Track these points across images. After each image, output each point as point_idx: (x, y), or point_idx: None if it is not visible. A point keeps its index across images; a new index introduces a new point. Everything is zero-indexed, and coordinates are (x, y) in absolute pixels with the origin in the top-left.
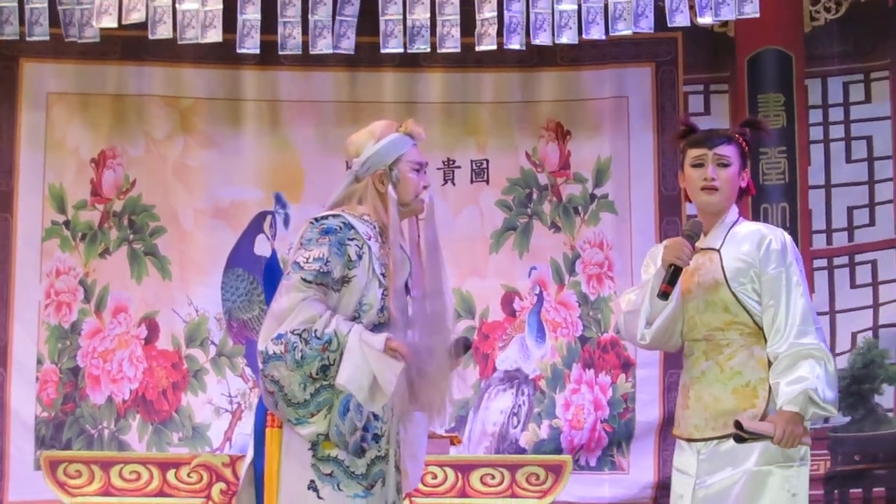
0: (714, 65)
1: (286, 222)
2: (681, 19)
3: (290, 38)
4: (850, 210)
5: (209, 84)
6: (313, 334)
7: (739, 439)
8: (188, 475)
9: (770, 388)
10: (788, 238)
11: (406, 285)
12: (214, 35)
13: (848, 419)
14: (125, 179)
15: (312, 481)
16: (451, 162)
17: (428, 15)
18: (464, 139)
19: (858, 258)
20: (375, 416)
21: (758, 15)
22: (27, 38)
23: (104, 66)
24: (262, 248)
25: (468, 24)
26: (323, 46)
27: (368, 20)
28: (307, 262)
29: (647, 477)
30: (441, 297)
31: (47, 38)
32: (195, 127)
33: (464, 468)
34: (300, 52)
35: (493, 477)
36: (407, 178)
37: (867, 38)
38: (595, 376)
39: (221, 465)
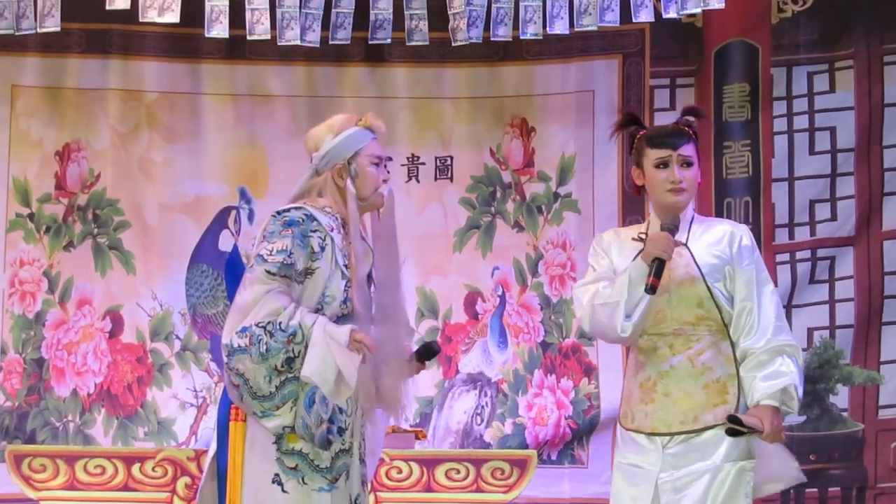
0: (682, 56)
1: (250, 217)
2: (645, 14)
3: (259, 24)
4: (812, 203)
5: (174, 78)
6: (278, 327)
7: (734, 433)
8: (153, 469)
9: (739, 384)
10: (751, 233)
11: (370, 277)
12: (172, 17)
13: (803, 418)
14: (90, 173)
15: (277, 475)
16: (415, 158)
17: (391, 8)
18: (428, 135)
19: (820, 253)
20: (340, 410)
21: (723, 6)
22: None
23: (69, 60)
24: (226, 243)
25: (434, 18)
26: (291, 38)
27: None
28: (270, 255)
29: (606, 470)
30: (394, 290)
31: (12, 31)
32: (160, 121)
33: (429, 463)
34: (267, 38)
35: (459, 472)
36: (366, 172)
37: (833, 28)
38: (557, 381)
39: (186, 460)
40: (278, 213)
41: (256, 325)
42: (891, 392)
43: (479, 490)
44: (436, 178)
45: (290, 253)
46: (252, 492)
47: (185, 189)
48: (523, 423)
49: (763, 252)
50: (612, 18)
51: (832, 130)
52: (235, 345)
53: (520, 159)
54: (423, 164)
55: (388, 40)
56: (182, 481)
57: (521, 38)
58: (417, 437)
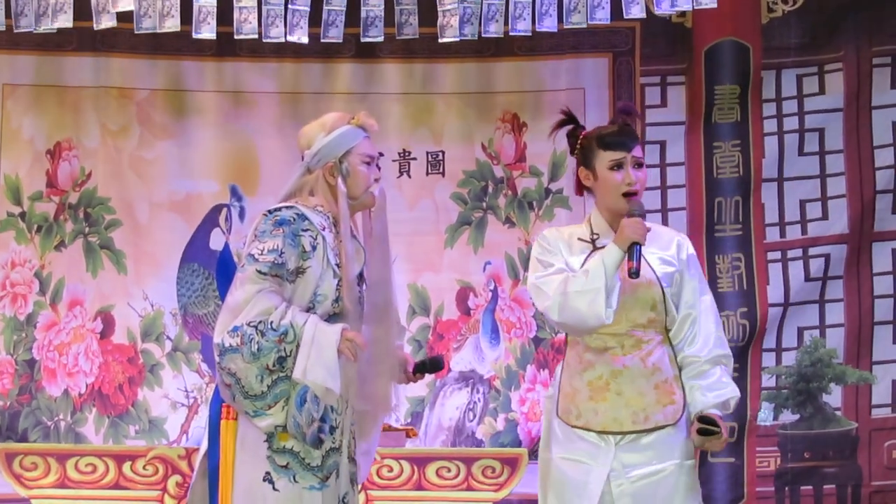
0: (672, 55)
1: (241, 215)
2: (636, 11)
3: (246, 23)
4: (802, 203)
5: (164, 75)
6: (269, 326)
7: (707, 433)
8: (144, 468)
9: (682, 387)
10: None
11: (362, 275)
12: (172, 24)
13: (797, 417)
14: (81, 171)
15: (268, 473)
16: (406, 153)
17: (382, 5)
18: (420, 130)
19: (812, 251)
20: (332, 408)
21: (715, 5)
22: None
23: (60, 58)
24: (217, 242)
25: (424, 13)
26: (275, 35)
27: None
28: (262, 254)
29: None
30: (385, 289)
31: (3, 28)
32: (150, 119)
33: (420, 461)
34: (255, 37)
35: (449, 470)
36: (357, 171)
37: (823, 30)
38: (549, 377)
39: (177, 458)
40: (269, 212)
41: (248, 325)
42: (883, 392)
43: (469, 488)
44: (427, 174)
45: (282, 252)
46: (243, 490)
47: (175, 187)
48: (515, 418)
49: (754, 250)
50: (603, 16)
51: (821, 132)
52: (227, 344)
53: (511, 154)
54: (414, 159)
55: (381, 38)
56: (173, 479)
57: (512, 34)
58: (408, 436)
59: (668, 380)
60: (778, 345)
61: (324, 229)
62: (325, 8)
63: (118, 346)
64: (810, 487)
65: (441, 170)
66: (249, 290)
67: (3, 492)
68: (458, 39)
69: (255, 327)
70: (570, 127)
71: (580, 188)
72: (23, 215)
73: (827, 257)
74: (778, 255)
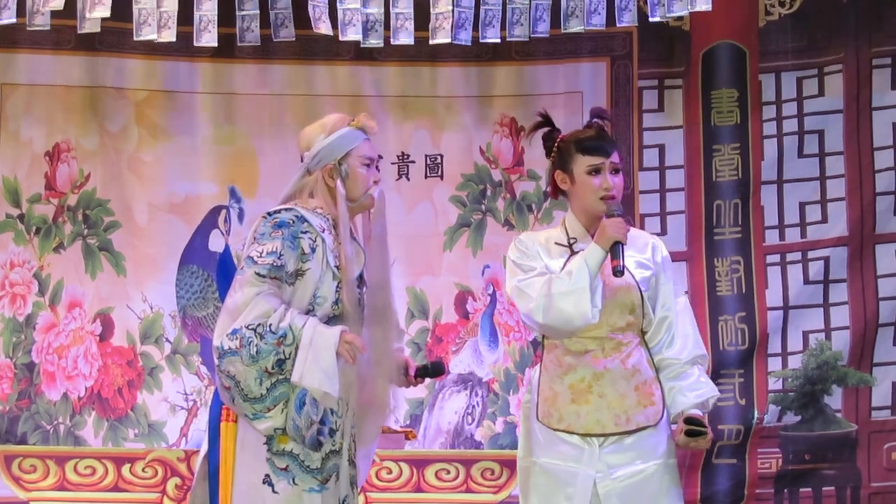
0: (669, 59)
1: (241, 217)
2: (628, 18)
3: (249, 31)
4: (801, 206)
5: (164, 76)
6: (268, 329)
7: (695, 434)
8: (143, 470)
9: (661, 388)
10: None
11: (361, 278)
12: (169, 35)
13: (798, 418)
14: (79, 173)
15: (267, 475)
16: (405, 157)
17: (382, 10)
18: (418, 134)
19: (812, 254)
20: (332, 411)
21: (709, 8)
22: None
23: (58, 57)
24: (216, 243)
25: (422, 17)
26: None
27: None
28: (261, 257)
29: None
30: (385, 292)
31: (13, 20)
32: (149, 120)
33: (419, 463)
34: (258, 44)
35: (448, 472)
36: (356, 174)
37: (821, 32)
38: None
39: (176, 460)
40: (269, 214)
41: (247, 328)
42: (883, 394)
43: (468, 490)
44: (426, 177)
45: (280, 255)
46: (243, 492)
47: (174, 189)
48: (514, 421)
49: (754, 254)
50: (599, 21)
51: (821, 134)
52: (226, 347)
53: (510, 158)
54: (412, 162)
55: (381, 43)
56: (172, 482)
57: (509, 40)
58: (407, 438)
59: (648, 381)
60: (783, 349)
61: (323, 231)
62: (340, 7)
63: (117, 348)
64: (809, 489)
65: (439, 173)
66: (248, 292)
67: (3, 494)
68: (448, 42)
69: (254, 330)
70: (546, 130)
71: (556, 191)
72: (21, 217)
73: (826, 260)
74: (777, 258)
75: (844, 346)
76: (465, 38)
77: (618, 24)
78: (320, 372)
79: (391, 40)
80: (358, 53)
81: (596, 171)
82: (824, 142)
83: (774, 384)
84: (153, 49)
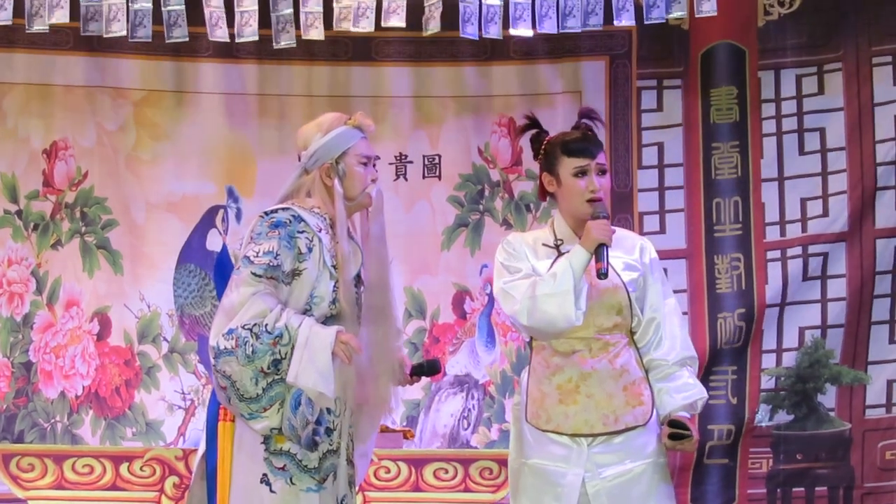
0: (668, 59)
1: (238, 217)
2: (626, 18)
3: (247, 26)
4: (803, 202)
5: (162, 76)
6: (264, 329)
7: (679, 437)
8: (141, 469)
9: (650, 388)
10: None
11: (359, 277)
12: (181, 34)
13: (791, 417)
14: (77, 171)
15: (265, 475)
16: (403, 157)
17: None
18: (416, 133)
19: (811, 249)
20: (329, 410)
21: (714, 13)
22: None
23: (56, 57)
24: (214, 242)
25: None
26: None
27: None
28: (257, 256)
29: None
30: (383, 291)
31: (8, 22)
32: (147, 119)
33: (417, 462)
34: (256, 38)
35: (447, 471)
36: (353, 172)
37: (820, 30)
38: None
39: (174, 459)
40: (266, 213)
41: (242, 328)
42: (878, 392)
43: (467, 490)
44: (424, 177)
45: (277, 254)
46: (240, 492)
47: (172, 188)
48: (509, 428)
49: (754, 250)
50: (596, 22)
51: (821, 131)
52: (222, 347)
53: (508, 158)
54: (410, 162)
55: (371, 28)
56: (170, 481)
57: (512, 33)
58: (406, 437)
59: (636, 381)
60: (779, 345)
61: (320, 231)
62: (336, 6)
63: (115, 348)
64: (802, 489)
65: (437, 173)
66: (244, 292)
67: (1, 493)
68: (440, 33)
69: (250, 330)
70: (534, 132)
71: (543, 193)
72: (19, 213)
73: (825, 256)
74: (777, 254)
75: (837, 343)
76: (471, 31)
77: (615, 24)
78: (316, 372)
79: (382, 23)
80: (356, 54)
81: (582, 172)
82: (825, 137)
83: (767, 382)
84: (151, 49)
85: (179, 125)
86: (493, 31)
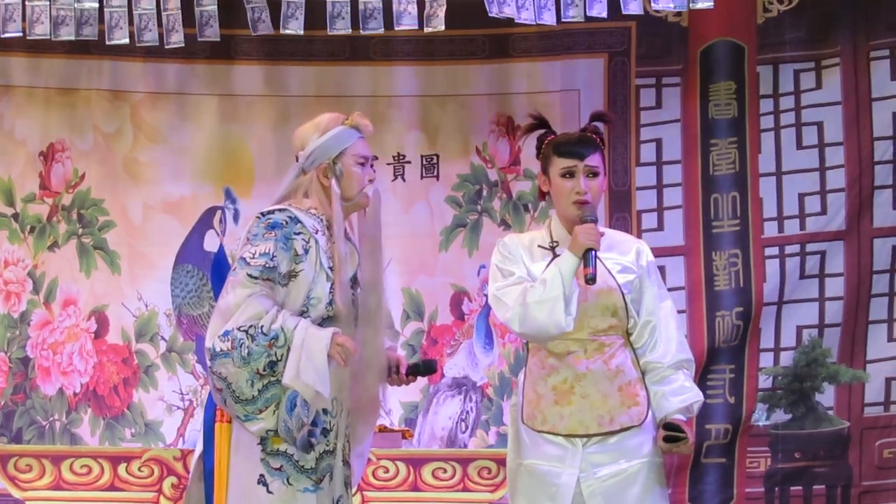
0: (667, 56)
1: (236, 218)
2: (634, 7)
3: (260, 21)
4: (801, 197)
5: (159, 78)
6: (260, 330)
7: (673, 440)
8: (139, 469)
9: (646, 388)
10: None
11: (355, 278)
12: (177, 39)
13: (789, 416)
14: (74, 173)
15: (262, 476)
16: (401, 157)
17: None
18: (414, 133)
19: (809, 248)
20: (325, 411)
21: (711, 5)
22: None
23: (53, 60)
24: (211, 243)
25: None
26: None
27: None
28: (253, 258)
29: None
30: (376, 292)
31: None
32: (144, 121)
33: (415, 462)
34: (254, 34)
35: (445, 471)
36: (351, 173)
37: (818, 26)
38: None
39: (173, 459)
40: (262, 214)
41: (238, 329)
42: (876, 390)
43: (465, 489)
44: (422, 177)
45: (273, 256)
46: (237, 493)
47: (169, 189)
48: (507, 432)
49: (752, 246)
50: (600, 10)
51: (819, 126)
52: (218, 349)
53: (506, 157)
54: (408, 162)
55: (381, 30)
56: (168, 481)
57: (518, 22)
58: (404, 437)
59: (632, 382)
60: (776, 344)
61: (316, 232)
62: (330, 1)
63: (112, 346)
64: (800, 488)
65: (435, 173)
66: (240, 294)
67: None
68: (442, 31)
69: (246, 332)
70: (541, 131)
71: (541, 193)
72: (16, 216)
73: (823, 254)
74: (776, 250)
75: (835, 341)
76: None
77: (623, 13)
78: (312, 373)
79: (394, 25)
80: (353, 53)
81: (569, 174)
82: (823, 133)
83: (765, 382)
84: (148, 51)
85: (177, 127)
86: (548, 18)
